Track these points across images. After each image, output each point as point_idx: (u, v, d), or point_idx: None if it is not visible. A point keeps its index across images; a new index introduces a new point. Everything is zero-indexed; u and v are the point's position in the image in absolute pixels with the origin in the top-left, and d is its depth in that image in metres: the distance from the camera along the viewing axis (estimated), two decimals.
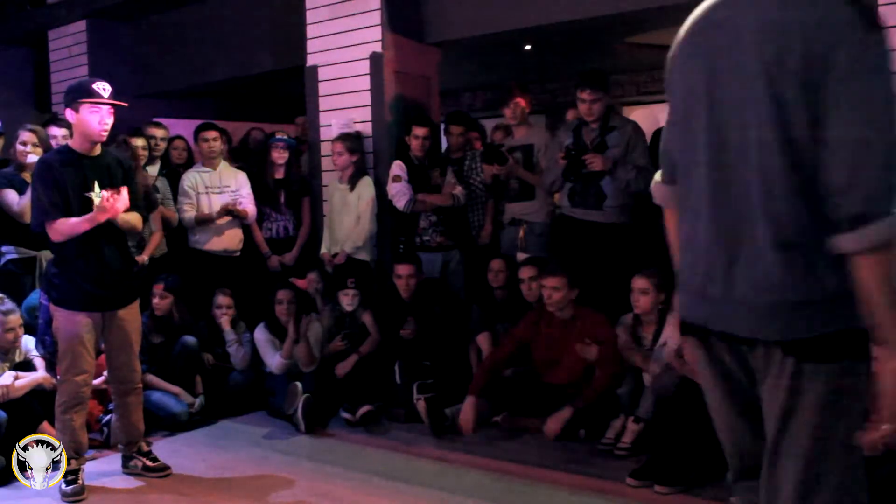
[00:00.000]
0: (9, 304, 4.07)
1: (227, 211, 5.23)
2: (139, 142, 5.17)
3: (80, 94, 3.43)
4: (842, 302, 1.53)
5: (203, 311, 5.03)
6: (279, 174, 5.51)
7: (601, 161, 4.43)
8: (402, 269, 4.77)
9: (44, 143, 4.67)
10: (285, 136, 5.55)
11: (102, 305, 3.55)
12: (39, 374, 4.01)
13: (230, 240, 5.36)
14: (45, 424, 3.88)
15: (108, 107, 3.46)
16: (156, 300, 4.63)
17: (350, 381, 4.62)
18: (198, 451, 4.12)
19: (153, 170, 5.46)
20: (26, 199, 4.34)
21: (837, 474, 1.59)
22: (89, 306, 3.50)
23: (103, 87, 3.44)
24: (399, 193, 5.00)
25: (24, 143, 4.62)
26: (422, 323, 4.75)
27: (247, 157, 6.16)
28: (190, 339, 4.66)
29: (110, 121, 3.48)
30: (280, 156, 5.47)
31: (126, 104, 3.52)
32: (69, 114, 3.46)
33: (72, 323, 3.48)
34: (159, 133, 5.52)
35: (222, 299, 4.93)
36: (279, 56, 6.33)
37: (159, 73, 7.25)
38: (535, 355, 4.33)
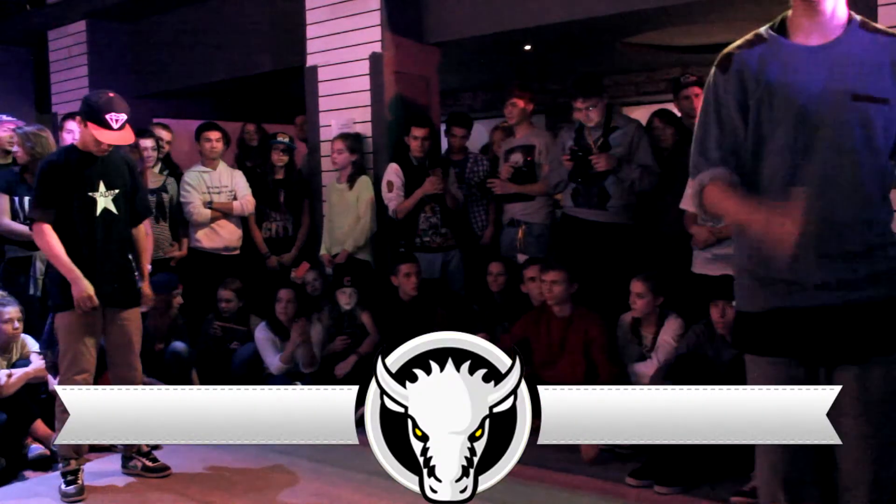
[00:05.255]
0: (6, 297, 4.09)
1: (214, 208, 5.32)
2: (148, 142, 5.17)
3: (92, 115, 3.36)
4: None
5: (205, 311, 5.03)
6: (279, 175, 5.54)
7: (606, 160, 4.42)
8: (403, 269, 4.76)
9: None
10: (286, 139, 5.57)
11: (102, 301, 3.53)
12: (30, 367, 3.98)
13: (230, 236, 5.39)
14: (39, 423, 3.87)
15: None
16: (176, 301, 4.64)
17: (350, 382, 4.60)
18: (198, 451, 4.11)
19: (156, 170, 5.45)
20: (9, 225, 4.52)
21: None
22: None
23: (116, 119, 3.36)
24: (388, 201, 5.07)
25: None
26: (422, 323, 4.74)
27: (248, 154, 6.16)
28: (179, 346, 4.61)
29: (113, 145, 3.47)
30: (279, 158, 5.50)
31: (132, 141, 3.51)
32: (77, 122, 3.47)
33: (72, 322, 3.48)
34: (166, 135, 5.54)
35: (223, 293, 4.99)
36: (279, 56, 6.32)
37: (159, 74, 7.23)
38: (534, 356, 4.33)
